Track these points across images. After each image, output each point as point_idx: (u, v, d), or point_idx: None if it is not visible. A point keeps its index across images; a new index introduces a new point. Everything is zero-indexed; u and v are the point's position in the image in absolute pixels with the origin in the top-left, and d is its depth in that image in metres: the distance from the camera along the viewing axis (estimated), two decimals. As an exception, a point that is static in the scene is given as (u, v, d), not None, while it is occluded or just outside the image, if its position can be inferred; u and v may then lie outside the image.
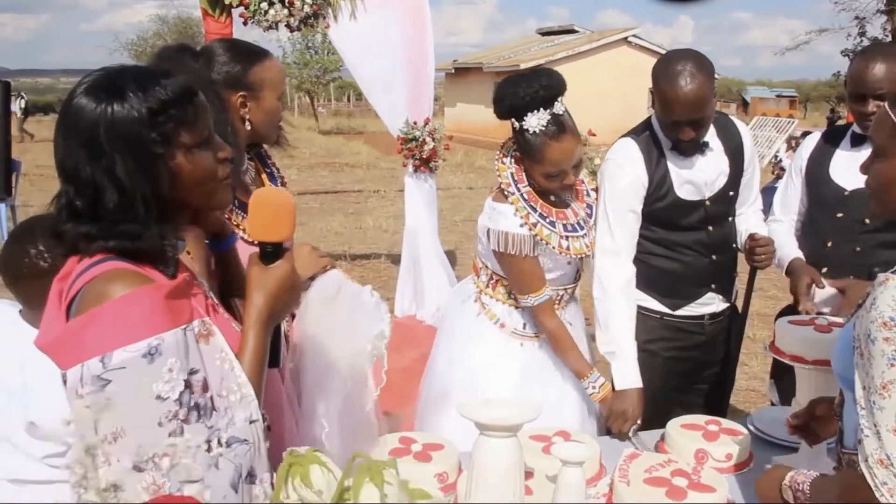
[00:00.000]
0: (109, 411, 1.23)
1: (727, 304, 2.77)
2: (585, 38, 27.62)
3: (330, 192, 14.60)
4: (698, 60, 2.43)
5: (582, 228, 2.53)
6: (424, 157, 5.93)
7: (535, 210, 2.43)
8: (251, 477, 1.37)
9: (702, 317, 2.72)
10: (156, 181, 1.34)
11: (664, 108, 2.47)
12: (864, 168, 1.64)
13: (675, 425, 2.28)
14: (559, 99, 2.39)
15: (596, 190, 2.67)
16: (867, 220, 2.62)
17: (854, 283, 2.49)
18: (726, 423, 2.31)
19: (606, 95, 21.57)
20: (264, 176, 2.27)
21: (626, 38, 26.30)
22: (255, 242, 1.48)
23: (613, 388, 2.48)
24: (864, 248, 2.64)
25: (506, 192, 2.45)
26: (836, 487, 1.61)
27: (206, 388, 1.33)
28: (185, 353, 1.31)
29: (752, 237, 2.64)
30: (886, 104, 1.60)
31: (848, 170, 2.67)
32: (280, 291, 1.46)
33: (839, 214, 2.69)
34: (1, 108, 7.79)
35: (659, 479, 1.91)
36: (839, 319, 2.42)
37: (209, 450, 1.29)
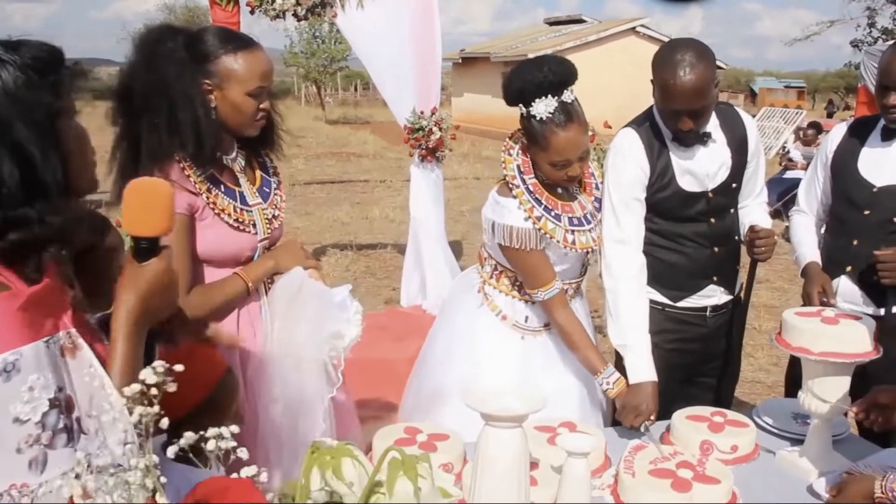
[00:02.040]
0: None
1: (730, 297, 2.75)
2: (593, 28, 27.51)
3: (336, 181, 14.59)
4: (699, 50, 2.41)
5: (589, 222, 2.51)
6: (431, 146, 5.92)
7: (539, 203, 2.41)
8: None
9: (704, 309, 2.71)
10: (60, 146, 1.23)
11: (664, 97, 2.45)
12: None
13: (680, 417, 2.28)
14: (569, 87, 2.37)
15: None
16: (895, 220, 2.60)
17: None
18: (732, 414, 2.31)
19: (614, 85, 21.47)
20: (256, 165, 2.26)
21: (635, 27, 26.18)
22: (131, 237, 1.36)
23: (627, 383, 2.45)
24: (890, 248, 2.59)
25: (510, 186, 2.43)
26: None
27: (71, 407, 1.19)
28: (50, 368, 1.17)
29: (752, 229, 2.62)
30: None
31: (877, 165, 2.64)
32: (153, 291, 1.32)
33: (866, 212, 2.64)
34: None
35: (664, 470, 1.91)
36: (851, 311, 2.41)
37: (78, 477, 1.13)
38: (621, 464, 1.95)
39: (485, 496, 1.63)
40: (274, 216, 2.22)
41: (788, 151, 12.36)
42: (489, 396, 1.67)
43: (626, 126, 2.65)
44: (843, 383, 2.08)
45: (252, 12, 5.66)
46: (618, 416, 2.43)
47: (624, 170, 2.54)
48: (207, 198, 2.04)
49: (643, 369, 2.42)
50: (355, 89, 46.53)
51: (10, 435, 1.11)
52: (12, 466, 1.10)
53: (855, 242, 2.67)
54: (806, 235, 2.86)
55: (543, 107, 2.32)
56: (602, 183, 2.63)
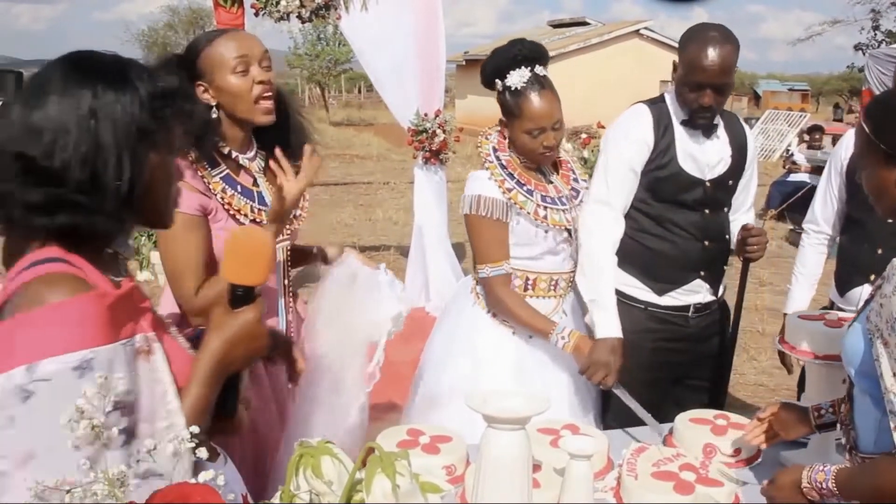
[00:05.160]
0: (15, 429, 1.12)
1: (713, 298, 2.77)
2: (597, 31, 27.50)
3: (340, 183, 14.60)
4: (727, 30, 2.53)
5: (564, 204, 2.56)
6: (435, 148, 5.94)
7: (512, 178, 2.49)
8: None
9: (687, 308, 2.71)
10: (138, 167, 1.28)
11: (692, 70, 2.50)
12: (857, 175, 1.69)
13: (683, 419, 2.28)
14: (542, 64, 2.49)
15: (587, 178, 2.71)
16: None
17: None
18: (735, 417, 2.31)
19: (617, 87, 21.48)
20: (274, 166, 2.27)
21: (639, 30, 26.18)
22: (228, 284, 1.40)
23: (593, 339, 2.47)
24: None
25: (484, 162, 2.53)
26: (868, 477, 1.59)
27: (132, 410, 1.22)
28: (123, 370, 1.21)
29: (744, 227, 2.66)
30: (862, 117, 1.63)
31: None
32: (239, 339, 1.36)
33: (889, 220, 2.64)
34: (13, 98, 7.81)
35: (667, 473, 1.91)
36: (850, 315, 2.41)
37: (122, 481, 1.15)
38: (624, 466, 1.95)
39: (487, 498, 1.63)
40: (294, 215, 2.22)
41: (792, 154, 12.34)
42: (492, 398, 1.67)
43: (636, 103, 2.72)
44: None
45: (256, 14, 5.68)
46: (583, 372, 2.45)
47: (627, 137, 2.61)
48: (222, 199, 2.05)
49: (611, 324, 2.47)
50: (359, 91, 46.54)
51: (73, 431, 1.13)
52: (66, 464, 1.11)
53: (880, 251, 2.68)
54: (804, 279, 2.99)
55: (518, 77, 2.45)
56: (583, 178, 2.71)
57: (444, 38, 5.85)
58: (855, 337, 1.69)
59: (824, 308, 2.89)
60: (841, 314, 2.39)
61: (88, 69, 1.29)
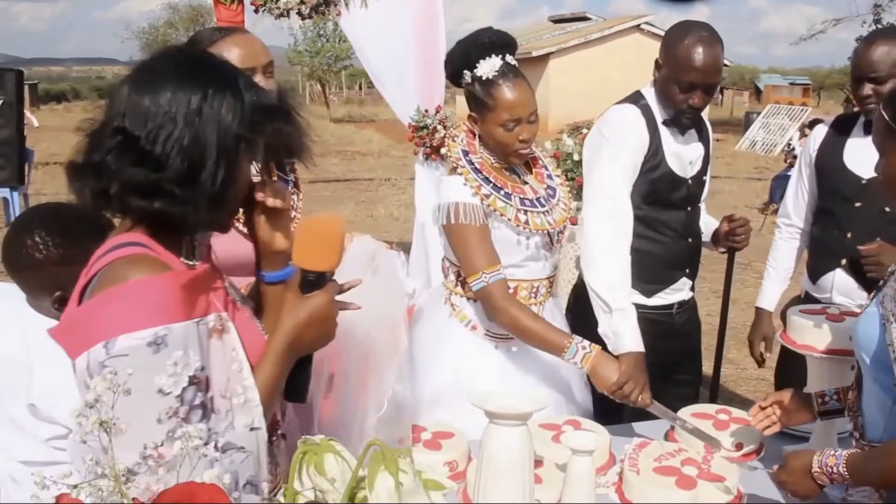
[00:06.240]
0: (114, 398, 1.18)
1: (692, 293, 2.79)
2: (598, 26, 27.46)
3: (341, 180, 14.61)
4: (712, 29, 2.49)
5: (543, 206, 2.40)
6: (435, 144, 5.92)
7: (488, 182, 2.32)
8: (252, 486, 1.31)
9: (671, 306, 2.71)
10: (231, 171, 1.34)
11: (683, 70, 2.45)
12: (876, 164, 1.69)
13: (685, 414, 2.28)
14: (511, 53, 2.35)
15: (567, 173, 2.67)
16: (888, 209, 2.60)
17: (887, 246, 2.50)
18: (736, 412, 2.31)
19: (618, 82, 21.46)
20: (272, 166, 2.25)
21: (639, 25, 26.14)
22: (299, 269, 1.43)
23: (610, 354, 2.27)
24: (886, 238, 2.60)
25: (457, 167, 2.35)
26: (878, 461, 1.60)
27: (208, 387, 1.28)
28: (196, 347, 1.26)
29: (729, 219, 2.68)
30: (881, 105, 1.63)
31: (863, 158, 2.64)
32: (311, 323, 1.40)
33: (857, 204, 2.67)
34: (14, 97, 7.81)
35: (669, 468, 1.91)
36: (853, 308, 2.41)
37: (205, 454, 1.23)
38: (626, 461, 1.95)
39: (489, 494, 1.64)
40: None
41: (793, 149, 12.34)
42: (494, 394, 1.67)
43: (619, 103, 2.64)
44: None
45: (256, 11, 5.66)
46: (617, 396, 2.21)
47: (625, 136, 2.52)
48: None
49: (637, 338, 2.30)
50: (360, 88, 46.53)
51: (154, 405, 1.21)
52: (152, 435, 1.20)
53: (849, 235, 2.70)
54: (776, 274, 3.02)
55: (489, 66, 2.29)
56: (557, 175, 2.58)
57: (445, 35, 5.84)
58: (868, 323, 1.69)
59: (797, 298, 2.91)
60: (843, 307, 2.39)
61: (202, 70, 1.35)
